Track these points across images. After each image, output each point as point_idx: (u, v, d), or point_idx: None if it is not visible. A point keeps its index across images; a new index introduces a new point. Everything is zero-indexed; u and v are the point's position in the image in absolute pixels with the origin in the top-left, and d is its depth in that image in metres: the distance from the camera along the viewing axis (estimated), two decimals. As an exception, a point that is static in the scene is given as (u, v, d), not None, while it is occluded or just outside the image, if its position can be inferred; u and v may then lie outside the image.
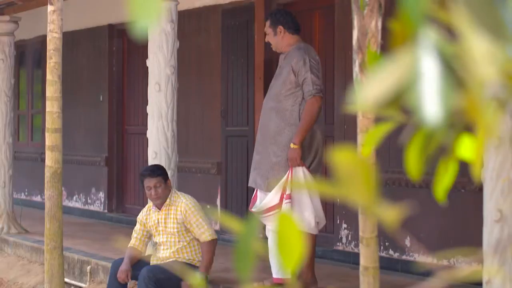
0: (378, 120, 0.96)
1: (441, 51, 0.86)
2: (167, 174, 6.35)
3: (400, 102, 0.86)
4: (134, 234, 6.40)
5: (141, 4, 0.87)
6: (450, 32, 0.94)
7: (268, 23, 6.26)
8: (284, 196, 5.74)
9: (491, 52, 0.84)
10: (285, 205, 5.71)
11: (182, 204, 6.20)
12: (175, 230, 6.22)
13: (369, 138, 1.08)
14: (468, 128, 0.93)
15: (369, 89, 0.86)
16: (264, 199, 5.87)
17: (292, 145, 5.84)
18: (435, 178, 1.06)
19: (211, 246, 6.17)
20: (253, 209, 5.98)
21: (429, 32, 0.86)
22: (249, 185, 6.24)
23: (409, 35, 0.86)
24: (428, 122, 0.83)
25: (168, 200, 6.24)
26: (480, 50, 0.84)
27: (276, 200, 5.76)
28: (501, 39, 0.82)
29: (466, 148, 0.98)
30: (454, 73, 0.85)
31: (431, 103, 0.83)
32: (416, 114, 0.84)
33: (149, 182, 6.20)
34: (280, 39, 6.16)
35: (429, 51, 0.86)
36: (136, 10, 0.87)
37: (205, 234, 6.16)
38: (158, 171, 6.30)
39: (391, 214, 0.91)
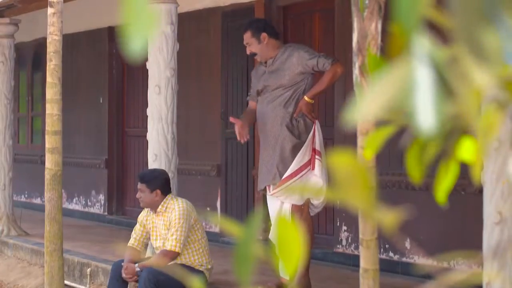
0: (378, 122, 0.97)
1: (435, 59, 0.86)
2: (157, 184, 6.18)
3: (399, 112, 0.86)
4: (133, 234, 6.38)
5: (134, 20, 0.87)
6: (444, 36, 0.94)
7: (249, 34, 6.14)
8: (315, 153, 5.80)
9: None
10: (317, 160, 5.77)
11: (175, 208, 6.15)
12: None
13: (370, 141, 1.08)
14: (469, 130, 0.93)
15: (367, 103, 0.86)
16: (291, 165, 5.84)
17: (306, 98, 5.89)
18: (435, 180, 1.06)
19: (167, 254, 6.06)
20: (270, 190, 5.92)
21: (423, 40, 0.86)
22: (268, 184, 6.00)
23: (404, 43, 0.86)
24: (422, 131, 0.84)
25: (160, 207, 6.18)
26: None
27: (307, 158, 5.80)
28: (485, 61, 0.82)
29: (466, 150, 0.98)
30: (447, 82, 0.85)
31: (425, 113, 0.84)
32: (412, 122, 0.85)
33: (138, 185, 6.25)
34: (265, 46, 6.09)
35: (423, 60, 0.86)
36: (129, 25, 0.87)
37: (171, 242, 6.05)
38: (146, 177, 6.23)
39: (389, 217, 0.91)
